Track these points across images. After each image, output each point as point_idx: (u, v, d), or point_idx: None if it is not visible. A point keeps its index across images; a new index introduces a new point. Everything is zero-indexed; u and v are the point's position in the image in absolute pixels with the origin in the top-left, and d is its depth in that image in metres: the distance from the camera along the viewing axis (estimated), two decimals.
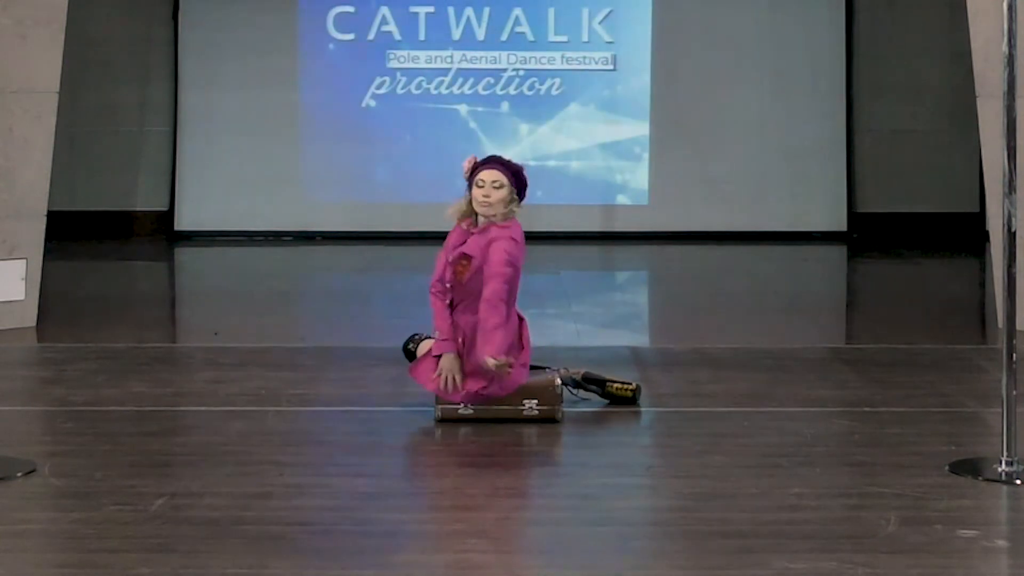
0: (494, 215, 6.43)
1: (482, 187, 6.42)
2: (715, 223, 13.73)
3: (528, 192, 6.58)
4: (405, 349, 6.81)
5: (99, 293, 10.69)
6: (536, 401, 6.47)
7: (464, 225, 6.51)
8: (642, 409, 6.85)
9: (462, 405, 6.45)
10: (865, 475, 5.70)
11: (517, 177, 6.47)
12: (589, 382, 6.83)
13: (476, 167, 6.48)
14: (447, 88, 13.81)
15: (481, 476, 5.77)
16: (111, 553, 4.75)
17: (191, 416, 6.78)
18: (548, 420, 6.46)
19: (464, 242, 6.46)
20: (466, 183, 6.51)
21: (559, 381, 6.56)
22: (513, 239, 6.41)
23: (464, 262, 6.41)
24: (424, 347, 6.69)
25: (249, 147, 13.78)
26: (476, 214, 6.48)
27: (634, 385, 6.88)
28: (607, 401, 6.81)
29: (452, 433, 6.36)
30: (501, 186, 6.41)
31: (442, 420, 6.46)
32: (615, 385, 6.84)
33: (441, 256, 6.55)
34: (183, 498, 5.33)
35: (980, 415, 6.69)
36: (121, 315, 9.63)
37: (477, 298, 6.39)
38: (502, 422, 6.40)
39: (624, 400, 6.81)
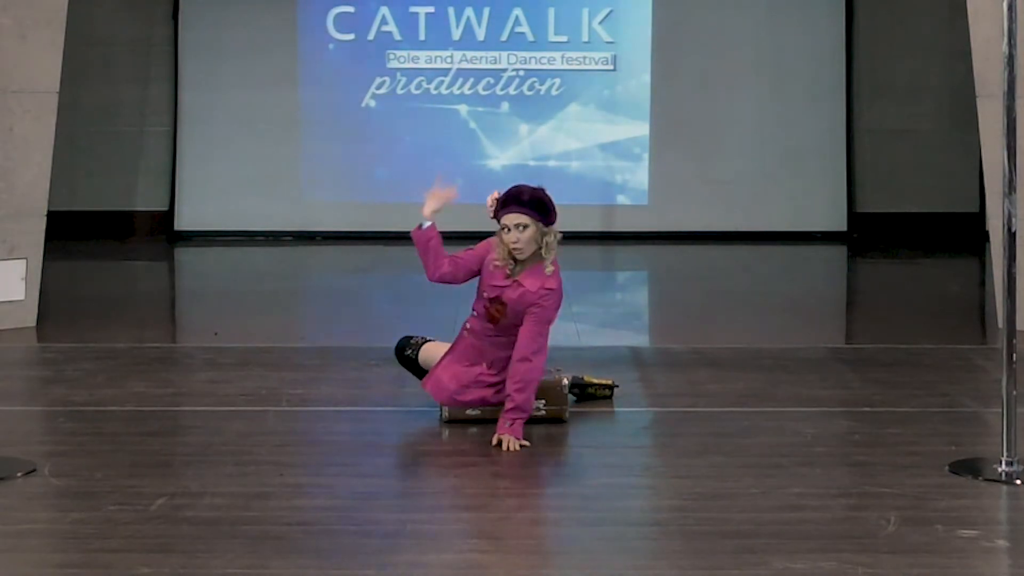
0: (527, 256, 6.32)
1: (509, 232, 6.30)
2: (715, 223, 13.73)
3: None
4: (401, 355, 6.78)
5: (99, 293, 10.69)
6: (544, 401, 6.46)
7: (501, 266, 6.35)
8: (642, 409, 6.86)
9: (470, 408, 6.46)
10: (865, 475, 5.70)
11: (539, 207, 6.32)
12: (573, 387, 6.84)
13: (498, 210, 6.34)
14: (447, 88, 13.82)
15: (481, 476, 5.77)
16: (111, 553, 4.75)
17: (191, 416, 6.78)
18: (555, 420, 6.47)
19: (504, 285, 6.35)
20: (496, 221, 6.37)
21: (566, 382, 6.58)
22: (546, 305, 6.29)
23: (500, 307, 6.35)
24: (427, 352, 6.67)
25: (249, 147, 13.79)
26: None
27: (610, 381, 6.98)
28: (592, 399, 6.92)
29: (452, 433, 6.36)
30: (525, 227, 6.28)
31: (449, 421, 6.46)
32: (592, 387, 6.93)
33: (471, 256, 6.40)
34: (183, 498, 5.33)
35: (980, 415, 6.69)
36: (121, 315, 9.63)
37: (507, 332, 6.36)
38: None
39: (603, 399, 6.91)
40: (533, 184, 6.44)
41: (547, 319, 6.33)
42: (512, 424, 6.14)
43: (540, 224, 6.30)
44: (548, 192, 6.40)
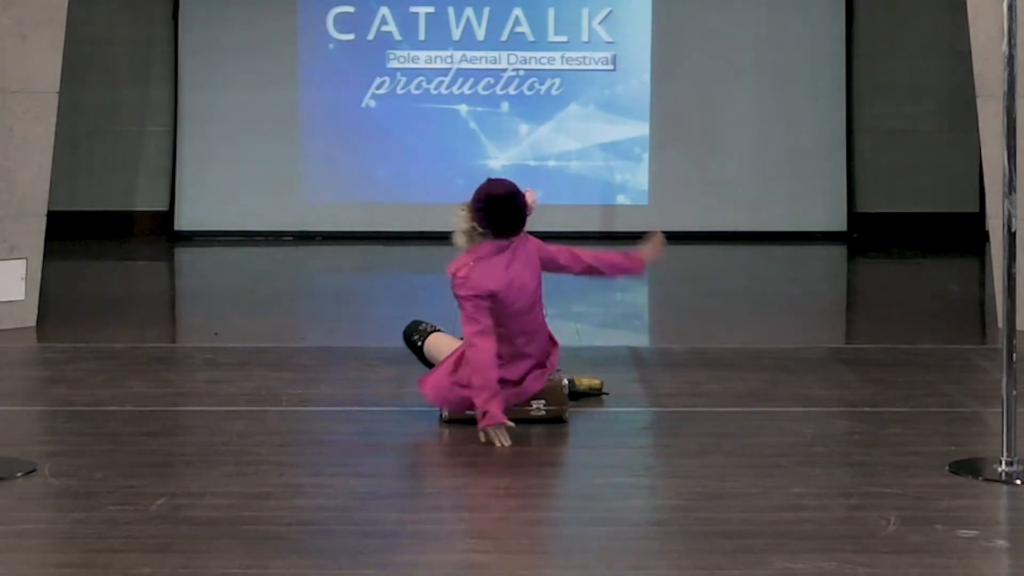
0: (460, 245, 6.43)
1: None
2: (715, 223, 13.73)
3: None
4: (409, 340, 6.79)
5: (99, 293, 10.69)
6: (544, 402, 6.46)
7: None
8: (642, 409, 6.86)
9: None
10: (865, 475, 5.70)
11: (480, 205, 6.33)
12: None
13: None
14: (447, 88, 13.81)
15: (481, 476, 5.77)
16: (111, 553, 4.75)
17: (191, 416, 6.77)
18: (555, 420, 6.46)
19: None
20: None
21: (566, 382, 6.57)
22: (454, 286, 6.34)
23: None
24: (433, 344, 6.67)
25: (249, 147, 13.78)
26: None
27: (599, 383, 6.92)
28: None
29: (452, 433, 6.36)
30: (461, 211, 6.39)
31: (449, 421, 6.45)
32: (581, 384, 6.87)
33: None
34: (183, 498, 5.33)
35: (980, 415, 6.69)
36: (121, 315, 9.63)
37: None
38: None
39: (590, 394, 6.86)
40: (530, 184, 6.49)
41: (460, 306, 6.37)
42: (484, 415, 6.12)
43: (472, 222, 6.33)
44: (514, 188, 6.40)
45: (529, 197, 6.44)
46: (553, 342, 6.56)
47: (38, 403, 7.03)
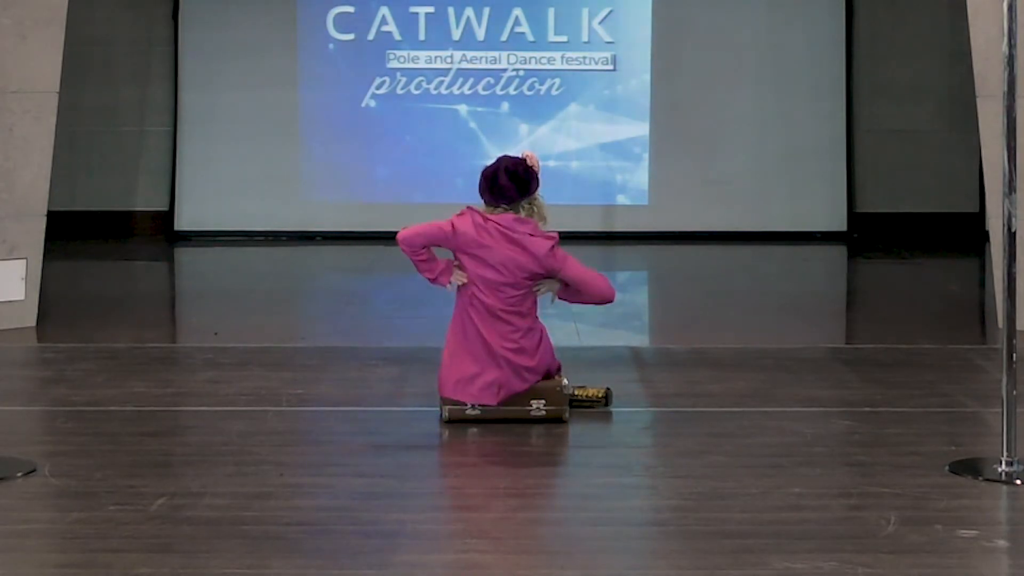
0: None
1: None
2: (715, 223, 13.73)
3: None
4: None
5: (99, 293, 10.69)
6: (543, 402, 6.47)
7: None
8: (642, 409, 6.86)
9: (469, 406, 6.45)
10: (865, 475, 5.71)
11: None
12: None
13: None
14: (447, 88, 13.82)
15: (481, 476, 5.77)
16: (111, 553, 4.75)
17: (191, 416, 6.78)
18: (555, 420, 6.46)
19: None
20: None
21: (566, 382, 6.56)
22: None
23: None
24: None
25: (249, 147, 13.79)
26: None
27: (602, 392, 6.77)
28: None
29: (452, 433, 6.36)
30: None
31: (449, 421, 6.45)
32: (580, 394, 6.74)
33: None
34: (183, 498, 5.33)
35: (980, 415, 6.69)
36: (121, 315, 9.63)
37: None
38: (509, 423, 6.40)
39: (593, 404, 6.73)
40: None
41: None
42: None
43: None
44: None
45: (530, 161, 6.58)
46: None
47: (38, 403, 7.03)
